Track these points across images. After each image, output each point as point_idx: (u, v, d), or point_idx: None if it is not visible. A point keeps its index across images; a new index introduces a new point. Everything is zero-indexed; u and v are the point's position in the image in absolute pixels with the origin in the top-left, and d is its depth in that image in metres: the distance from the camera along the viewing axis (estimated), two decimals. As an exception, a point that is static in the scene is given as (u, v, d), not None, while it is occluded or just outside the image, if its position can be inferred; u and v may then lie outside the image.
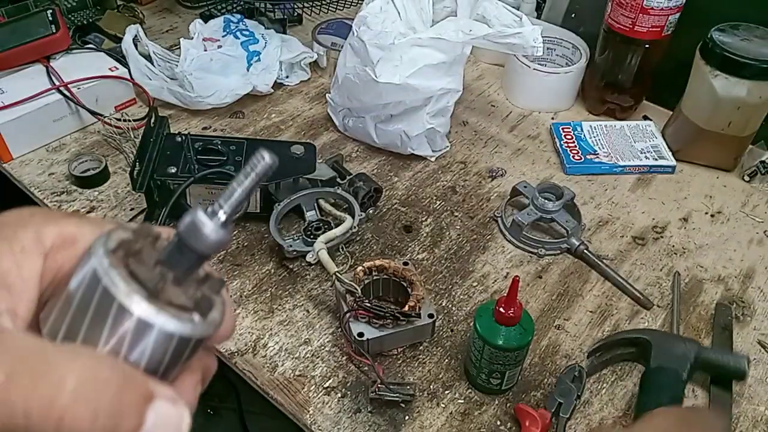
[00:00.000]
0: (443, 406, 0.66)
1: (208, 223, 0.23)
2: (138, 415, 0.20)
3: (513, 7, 0.90)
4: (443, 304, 0.76)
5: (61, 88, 0.94)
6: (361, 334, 0.66)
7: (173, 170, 0.79)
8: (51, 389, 0.19)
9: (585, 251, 0.82)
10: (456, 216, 0.88)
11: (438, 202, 0.90)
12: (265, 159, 0.24)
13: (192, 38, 1.05)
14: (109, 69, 0.99)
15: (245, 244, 0.82)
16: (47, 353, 0.20)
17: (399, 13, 0.88)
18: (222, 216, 0.23)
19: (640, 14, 0.93)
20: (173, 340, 0.22)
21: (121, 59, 1.01)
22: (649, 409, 0.63)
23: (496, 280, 0.80)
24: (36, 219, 0.23)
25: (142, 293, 0.22)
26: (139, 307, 0.22)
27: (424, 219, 0.87)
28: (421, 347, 0.71)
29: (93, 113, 0.96)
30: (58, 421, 0.19)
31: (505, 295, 0.61)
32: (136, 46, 1.02)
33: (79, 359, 0.20)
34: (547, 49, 1.10)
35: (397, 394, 0.63)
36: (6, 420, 0.19)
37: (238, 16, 1.12)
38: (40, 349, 0.20)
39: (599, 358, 0.71)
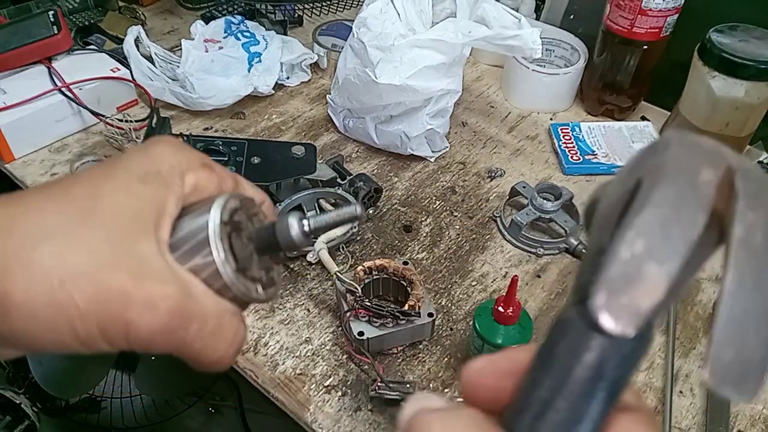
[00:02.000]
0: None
1: (296, 227, 0.30)
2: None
3: (512, 9, 0.91)
4: (443, 304, 0.77)
5: (63, 89, 0.94)
6: (361, 333, 0.66)
7: (175, 170, 0.79)
8: (222, 349, 0.28)
9: (583, 251, 0.83)
10: (455, 216, 0.89)
11: (437, 202, 0.91)
12: (356, 210, 0.31)
13: (193, 39, 1.06)
14: (111, 70, 1.00)
15: (246, 243, 0.82)
16: (224, 319, 0.28)
17: (399, 15, 0.89)
18: (306, 228, 0.30)
19: (639, 15, 0.94)
20: (235, 296, 0.29)
21: (123, 60, 1.02)
22: None
23: (495, 280, 0.80)
24: (184, 165, 0.30)
25: (230, 257, 0.29)
26: (223, 266, 0.28)
27: (423, 219, 0.88)
28: (420, 346, 0.72)
29: (95, 114, 0.96)
30: (215, 363, 0.28)
31: (504, 294, 0.61)
32: (137, 47, 1.02)
33: (240, 331, 0.30)
34: (546, 50, 1.11)
35: (397, 393, 0.64)
36: (180, 352, 0.27)
37: (239, 17, 1.12)
38: (218, 313, 0.28)
39: None
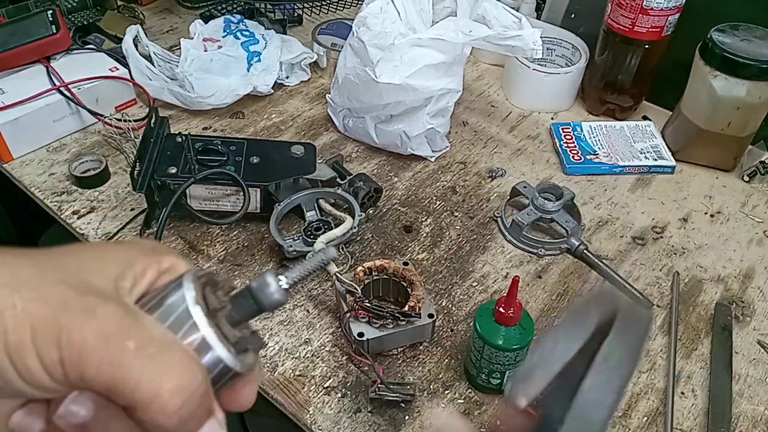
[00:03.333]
0: (443, 406, 0.66)
1: (274, 285, 0.29)
2: (200, 425, 0.26)
3: (513, 8, 0.91)
4: (443, 304, 0.76)
5: (62, 89, 0.94)
6: (361, 334, 0.66)
7: (173, 170, 0.79)
8: (163, 375, 0.24)
9: (585, 251, 0.82)
10: (456, 216, 0.88)
11: (438, 202, 0.90)
12: (329, 253, 0.31)
13: (192, 39, 1.06)
14: (110, 69, 0.99)
15: (245, 244, 0.82)
16: (172, 346, 0.25)
17: (399, 14, 0.88)
18: (284, 284, 0.29)
19: (640, 15, 0.93)
20: (224, 367, 0.27)
21: (122, 59, 1.01)
22: None
23: (495, 280, 0.80)
24: (162, 249, 0.30)
25: (210, 322, 0.27)
26: (206, 330, 0.27)
27: (424, 219, 0.88)
28: (421, 347, 0.71)
29: (93, 113, 0.96)
30: (154, 403, 0.24)
31: (505, 295, 0.61)
32: (136, 46, 1.02)
33: (191, 363, 0.25)
34: (547, 49, 1.10)
35: (397, 394, 0.63)
36: (116, 383, 0.23)
37: (239, 16, 1.12)
38: (167, 339, 0.25)
39: None
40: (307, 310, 0.75)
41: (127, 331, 0.24)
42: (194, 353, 0.26)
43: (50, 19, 1.00)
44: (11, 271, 0.24)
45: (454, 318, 0.75)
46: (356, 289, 0.68)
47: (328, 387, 0.67)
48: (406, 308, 0.67)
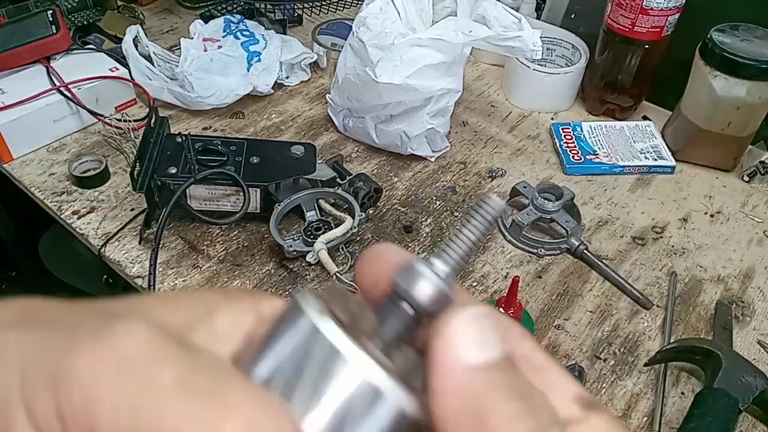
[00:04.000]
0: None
1: (429, 275, 0.20)
2: None
3: (512, 8, 0.91)
4: (443, 304, 0.76)
5: (62, 89, 0.94)
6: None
7: (173, 170, 0.79)
8: (213, 419, 0.16)
9: (585, 251, 0.82)
10: (456, 216, 0.88)
11: (438, 203, 0.90)
12: (493, 202, 0.21)
13: (192, 39, 1.06)
14: (110, 69, 0.99)
15: (245, 244, 0.82)
16: (235, 381, 0.17)
17: (399, 14, 0.88)
18: (444, 270, 0.20)
19: (640, 15, 0.93)
20: (400, 418, 0.18)
21: (122, 60, 1.01)
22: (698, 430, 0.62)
23: (495, 280, 0.80)
24: (259, 293, 0.22)
25: (369, 354, 0.18)
26: (370, 370, 0.17)
27: (424, 219, 0.88)
28: (421, 347, 0.71)
29: (93, 113, 0.96)
30: None
31: (505, 295, 0.61)
32: (136, 46, 1.02)
33: (253, 400, 0.17)
34: (547, 49, 1.10)
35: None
36: (154, 419, 0.16)
37: (239, 16, 1.12)
38: (226, 374, 0.17)
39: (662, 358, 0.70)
40: (307, 310, 0.75)
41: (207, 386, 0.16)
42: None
43: (50, 19, 1.00)
44: (24, 310, 0.19)
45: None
46: (356, 289, 0.68)
47: (328, 387, 0.67)
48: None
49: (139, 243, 0.81)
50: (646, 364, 0.70)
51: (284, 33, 1.16)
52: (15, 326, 0.18)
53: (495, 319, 0.19)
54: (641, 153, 0.98)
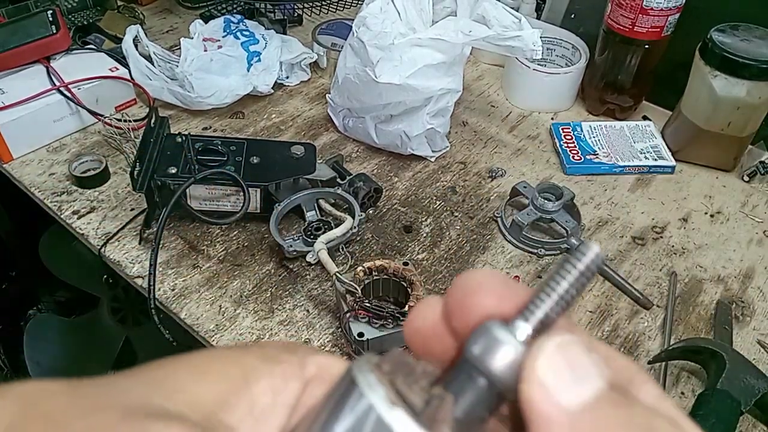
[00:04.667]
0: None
1: (510, 341, 0.17)
2: None
3: (513, 8, 0.91)
4: (443, 304, 0.76)
5: (62, 89, 0.94)
6: (361, 334, 0.66)
7: (173, 170, 0.79)
8: None
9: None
10: (456, 216, 0.88)
11: (438, 202, 0.90)
12: (591, 252, 0.18)
13: (192, 38, 1.06)
14: (110, 69, 0.99)
15: (245, 244, 0.82)
16: None
17: (399, 14, 0.88)
18: (525, 333, 0.17)
19: (640, 15, 0.93)
20: None
21: (122, 60, 1.01)
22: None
23: (495, 280, 0.80)
24: (299, 348, 0.20)
25: None
26: None
27: (424, 219, 0.87)
28: (421, 347, 0.71)
29: (93, 113, 0.96)
30: None
31: (505, 295, 0.61)
32: (136, 46, 1.02)
33: None
34: (547, 49, 1.10)
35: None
36: None
37: (239, 16, 1.12)
38: None
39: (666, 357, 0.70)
40: (307, 310, 0.75)
41: None
42: None
43: (50, 19, 1.00)
44: (30, 405, 0.16)
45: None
46: (356, 289, 0.68)
47: (328, 387, 0.67)
48: (406, 308, 0.67)
49: (139, 243, 0.81)
50: (650, 362, 0.70)
51: (284, 33, 1.16)
52: (15, 429, 0.15)
53: (586, 343, 0.16)
54: (641, 153, 0.98)
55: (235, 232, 0.83)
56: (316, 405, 0.17)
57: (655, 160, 0.97)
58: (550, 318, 0.17)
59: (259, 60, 1.05)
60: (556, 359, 0.16)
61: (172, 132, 0.88)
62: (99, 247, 0.80)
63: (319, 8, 1.21)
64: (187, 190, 0.79)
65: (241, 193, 0.80)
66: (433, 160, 0.97)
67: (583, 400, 0.15)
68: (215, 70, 1.02)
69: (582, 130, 1.02)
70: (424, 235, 0.85)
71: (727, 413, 0.63)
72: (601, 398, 0.15)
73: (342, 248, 0.80)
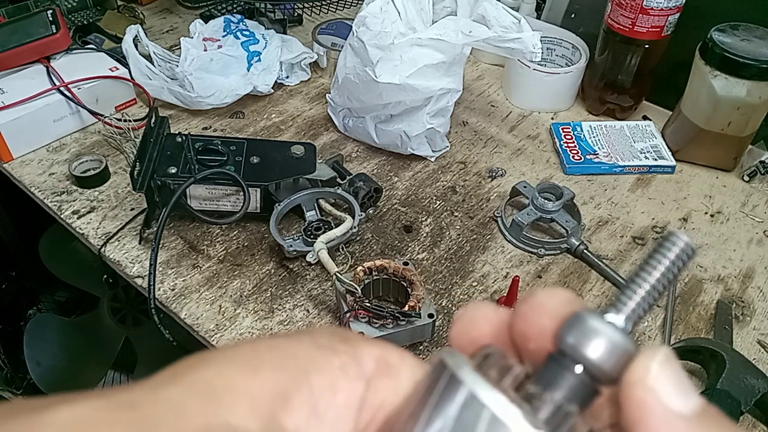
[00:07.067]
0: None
1: (605, 328, 0.17)
2: None
3: (513, 8, 0.91)
4: (443, 304, 0.76)
5: (62, 89, 0.94)
6: (361, 334, 0.66)
7: (173, 170, 0.79)
8: None
9: (585, 251, 0.82)
10: (456, 216, 0.88)
11: (438, 202, 0.90)
12: (681, 241, 0.18)
13: (192, 38, 1.06)
14: (110, 69, 0.99)
15: (245, 244, 0.82)
16: None
17: (399, 14, 0.88)
18: (623, 321, 0.17)
19: (640, 14, 0.93)
20: None
21: (122, 59, 1.01)
22: None
23: (496, 280, 0.80)
24: (354, 338, 0.18)
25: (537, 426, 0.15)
26: None
27: (424, 219, 0.87)
28: (421, 347, 0.71)
29: (93, 113, 0.96)
30: None
31: (505, 294, 0.61)
32: (136, 46, 1.02)
33: None
34: (547, 49, 1.10)
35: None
36: None
37: (239, 16, 1.12)
38: None
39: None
40: (307, 310, 0.75)
41: None
42: None
43: (50, 18, 1.00)
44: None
45: (455, 318, 0.75)
46: (356, 289, 0.68)
47: (328, 387, 0.67)
48: (406, 308, 0.67)
49: (139, 243, 0.81)
50: None
51: (284, 33, 1.16)
52: None
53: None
54: (641, 153, 0.98)
55: (235, 232, 0.83)
56: (406, 403, 0.16)
57: (655, 160, 0.97)
58: (639, 311, 0.17)
59: (259, 60, 1.05)
60: (667, 368, 0.16)
61: (172, 132, 0.88)
62: (99, 247, 0.80)
63: (319, 8, 1.21)
64: (187, 190, 0.79)
65: (241, 193, 0.80)
66: (433, 160, 0.97)
67: (690, 412, 0.16)
68: (215, 69, 1.02)
69: (582, 130, 1.02)
70: (424, 235, 0.85)
71: (727, 413, 0.62)
72: (703, 413, 0.16)
73: (342, 248, 0.80)
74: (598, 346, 0.16)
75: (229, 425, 0.15)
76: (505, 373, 0.17)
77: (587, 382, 0.17)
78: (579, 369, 0.16)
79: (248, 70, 1.04)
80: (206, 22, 1.09)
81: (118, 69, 1.00)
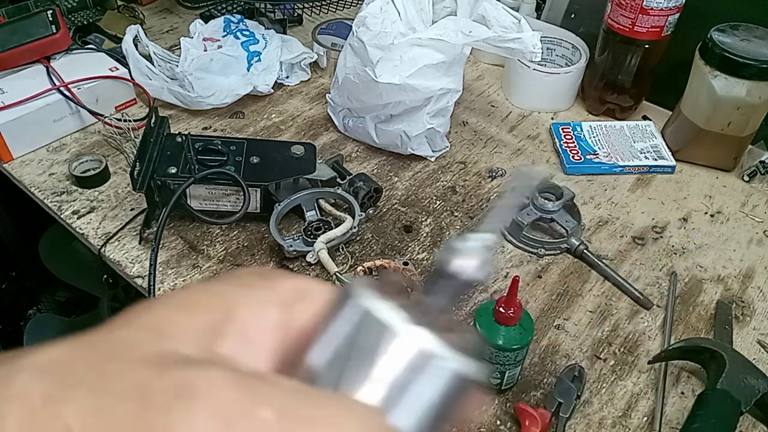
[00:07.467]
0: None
1: (465, 247, 0.22)
2: None
3: (513, 8, 0.91)
4: (443, 304, 0.76)
5: (62, 89, 0.94)
6: (283, 269, 0.66)
7: (173, 170, 0.79)
8: None
9: (585, 251, 0.82)
10: (456, 216, 0.88)
11: (438, 202, 0.90)
12: (531, 173, 0.22)
13: (192, 38, 1.06)
14: (110, 69, 0.99)
15: (245, 244, 0.82)
16: (322, 399, 0.18)
17: (399, 14, 0.88)
18: (480, 244, 0.22)
19: (640, 14, 0.93)
20: (458, 381, 0.19)
21: (122, 59, 1.01)
22: None
23: (495, 280, 0.80)
24: (272, 272, 0.22)
25: (427, 329, 0.19)
26: (427, 342, 0.19)
27: (424, 219, 0.87)
28: (421, 347, 0.71)
29: (93, 113, 0.96)
30: None
31: (505, 294, 0.61)
32: (136, 46, 1.02)
33: (354, 412, 0.18)
34: (547, 49, 1.10)
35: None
36: None
37: (239, 16, 1.12)
38: (310, 395, 0.18)
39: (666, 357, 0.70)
40: (307, 310, 0.75)
41: (254, 400, 0.17)
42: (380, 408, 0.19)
43: (50, 19, 1.00)
44: (57, 374, 0.17)
45: (454, 318, 0.75)
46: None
47: (328, 387, 0.67)
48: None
49: (139, 243, 0.81)
50: (650, 362, 0.70)
51: (284, 33, 1.16)
52: (60, 402, 0.16)
53: None
54: (641, 153, 0.98)
55: (235, 232, 0.83)
56: (320, 320, 0.20)
57: (655, 160, 0.97)
58: (493, 228, 0.23)
59: (259, 60, 1.05)
60: None
61: (172, 132, 0.88)
62: (99, 247, 0.80)
63: (319, 8, 1.21)
64: (187, 190, 0.79)
65: (241, 193, 0.80)
66: (433, 160, 0.97)
67: None
68: (215, 70, 1.02)
69: (582, 130, 1.02)
70: (424, 235, 0.85)
71: (727, 414, 0.63)
72: None
73: (342, 248, 0.80)
74: (458, 258, 0.21)
75: (178, 353, 0.18)
76: (397, 291, 0.21)
77: (457, 287, 0.22)
78: (451, 278, 0.22)
79: (248, 70, 1.04)
80: (206, 22, 1.09)
81: (118, 69, 1.00)
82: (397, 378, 0.19)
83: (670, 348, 0.70)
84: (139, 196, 0.84)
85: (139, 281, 0.77)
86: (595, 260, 0.81)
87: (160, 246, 0.78)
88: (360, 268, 0.71)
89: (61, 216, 0.85)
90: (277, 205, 0.80)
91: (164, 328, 0.19)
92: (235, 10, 1.22)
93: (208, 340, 0.19)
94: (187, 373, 0.16)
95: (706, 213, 0.92)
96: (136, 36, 1.03)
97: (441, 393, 0.19)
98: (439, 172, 0.95)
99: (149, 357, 0.17)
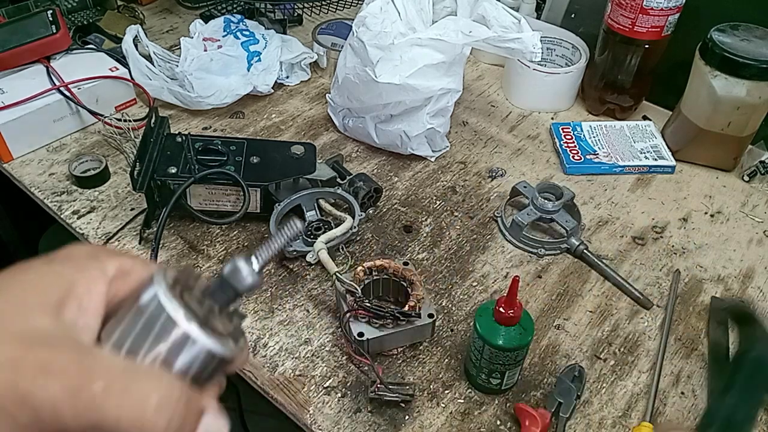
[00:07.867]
0: (443, 405, 0.66)
1: (246, 269, 0.29)
2: (195, 426, 0.27)
3: (513, 8, 0.91)
4: (443, 304, 0.76)
5: (62, 89, 0.94)
6: (361, 334, 0.66)
7: (173, 170, 0.79)
8: (139, 403, 0.24)
9: (585, 251, 0.82)
10: (456, 216, 0.88)
11: (438, 202, 0.90)
12: (296, 226, 0.31)
13: (192, 38, 1.06)
14: (110, 69, 0.99)
15: (245, 244, 0.82)
16: (136, 372, 0.25)
17: (399, 14, 0.88)
18: (256, 265, 0.29)
19: (640, 14, 0.93)
20: (214, 357, 0.28)
21: (122, 59, 1.01)
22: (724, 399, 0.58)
23: (495, 280, 0.80)
24: (101, 253, 0.29)
25: (194, 318, 0.27)
26: (192, 328, 0.27)
27: (424, 219, 0.87)
28: (421, 347, 0.71)
29: (93, 113, 0.96)
30: (141, 429, 0.24)
31: (505, 294, 0.61)
32: (136, 46, 1.02)
33: (161, 380, 0.25)
34: (547, 49, 1.10)
35: (397, 394, 0.63)
36: (98, 423, 0.23)
37: (239, 16, 1.12)
38: (128, 368, 0.26)
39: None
40: (307, 310, 0.75)
41: (89, 376, 0.24)
42: (162, 367, 0.26)
43: (50, 19, 1.00)
44: None
45: (454, 318, 0.75)
46: (356, 289, 0.68)
47: (328, 387, 0.67)
48: (406, 308, 0.67)
49: (139, 243, 0.81)
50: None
51: (284, 33, 1.16)
52: None
53: None
54: (641, 153, 0.98)
55: (235, 232, 0.83)
56: (125, 295, 0.28)
57: (655, 160, 0.97)
58: (264, 255, 0.30)
59: (259, 60, 1.05)
60: None
61: (172, 132, 0.88)
62: (99, 247, 0.80)
63: (319, 8, 1.21)
64: (187, 190, 0.79)
65: (241, 193, 0.80)
66: (433, 160, 0.97)
67: None
68: (215, 70, 1.02)
69: (582, 130, 1.02)
70: (424, 235, 0.85)
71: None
72: None
73: (342, 248, 0.80)
74: (230, 270, 0.29)
75: (37, 327, 0.25)
76: (188, 287, 0.29)
77: (231, 295, 0.29)
78: (228, 288, 0.29)
79: (248, 70, 1.04)
80: (206, 22, 1.09)
81: (118, 69, 1.00)
82: (167, 351, 0.27)
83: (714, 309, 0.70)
84: (139, 196, 0.84)
85: (139, 281, 0.77)
86: (595, 260, 0.81)
87: (160, 246, 0.78)
88: (360, 267, 0.71)
89: (61, 216, 0.85)
90: (277, 205, 0.80)
91: (22, 309, 0.25)
92: (235, 10, 1.22)
93: (58, 310, 0.26)
94: (46, 353, 0.24)
95: (706, 213, 0.92)
96: (136, 36, 1.03)
97: (198, 365, 0.27)
98: (439, 172, 0.95)
99: (23, 335, 0.24)
